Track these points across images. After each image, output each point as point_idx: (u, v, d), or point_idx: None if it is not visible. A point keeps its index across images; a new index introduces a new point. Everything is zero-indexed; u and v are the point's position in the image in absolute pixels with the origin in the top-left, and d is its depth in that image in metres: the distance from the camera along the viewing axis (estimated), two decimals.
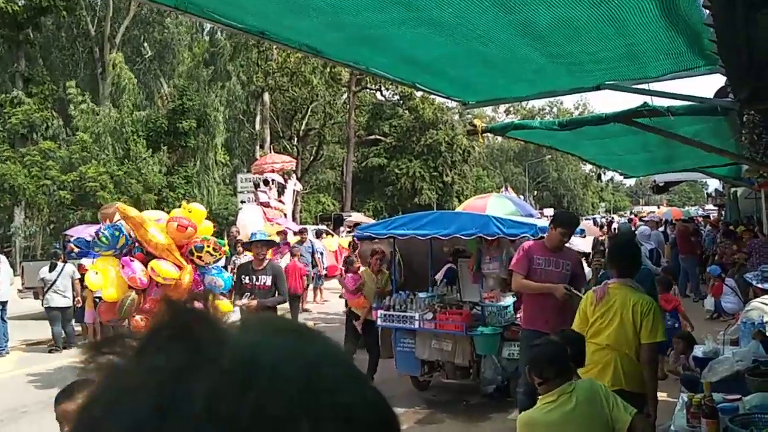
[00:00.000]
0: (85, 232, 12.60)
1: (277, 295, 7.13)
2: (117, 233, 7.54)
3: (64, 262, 11.55)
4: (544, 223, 8.46)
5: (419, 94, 42.95)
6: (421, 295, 7.93)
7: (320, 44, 2.61)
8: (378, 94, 45.54)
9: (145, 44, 32.43)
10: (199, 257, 7.47)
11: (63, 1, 24.80)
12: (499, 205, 12.17)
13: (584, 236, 13.02)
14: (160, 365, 0.47)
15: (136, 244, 7.68)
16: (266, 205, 18.28)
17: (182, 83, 29.76)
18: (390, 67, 3.01)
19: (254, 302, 6.76)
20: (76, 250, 12.84)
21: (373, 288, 8.32)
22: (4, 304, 11.22)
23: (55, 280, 11.15)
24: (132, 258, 7.54)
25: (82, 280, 11.22)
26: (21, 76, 26.43)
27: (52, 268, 11.30)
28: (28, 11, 24.65)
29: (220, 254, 7.78)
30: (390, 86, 43.05)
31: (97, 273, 7.82)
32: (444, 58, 2.76)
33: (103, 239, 7.50)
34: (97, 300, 10.83)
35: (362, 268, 8.76)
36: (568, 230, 5.80)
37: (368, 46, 2.63)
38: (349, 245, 14.05)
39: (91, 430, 0.48)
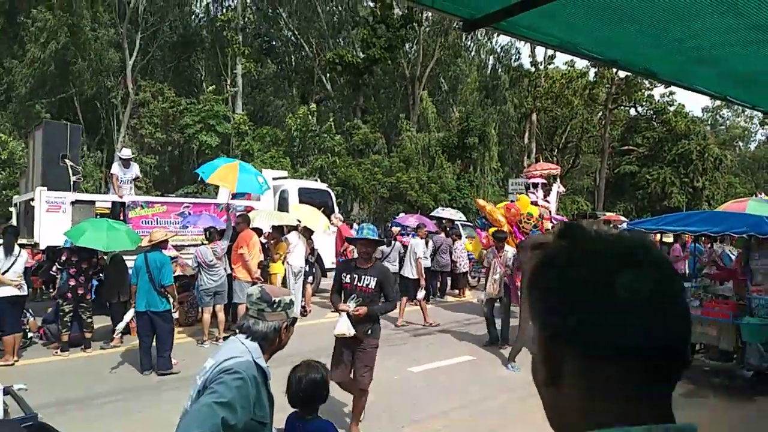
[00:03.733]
0: (408, 220, 13.74)
1: (383, 301, 4.83)
2: None
3: (394, 240, 12.64)
4: None
5: (672, 108, 38.47)
6: (686, 284, 7.28)
7: (659, 67, 2.55)
8: (632, 110, 41.79)
9: (443, 80, 33.97)
10: (523, 227, 9.71)
11: (389, 53, 27.05)
12: (760, 207, 10.44)
13: None
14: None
15: None
16: (534, 204, 17.97)
17: (468, 108, 30.65)
18: (712, 83, 2.81)
19: (363, 309, 4.58)
20: (396, 230, 13.93)
21: None
22: None
23: (389, 254, 12.30)
24: None
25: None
26: (360, 108, 29.36)
27: (388, 245, 12.42)
28: (366, 62, 27.32)
29: (533, 222, 9.65)
30: (644, 103, 39.33)
31: None
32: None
33: None
34: None
35: None
36: None
37: (701, 67, 2.50)
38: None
39: (558, 275, 0.71)
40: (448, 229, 13.56)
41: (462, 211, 20.92)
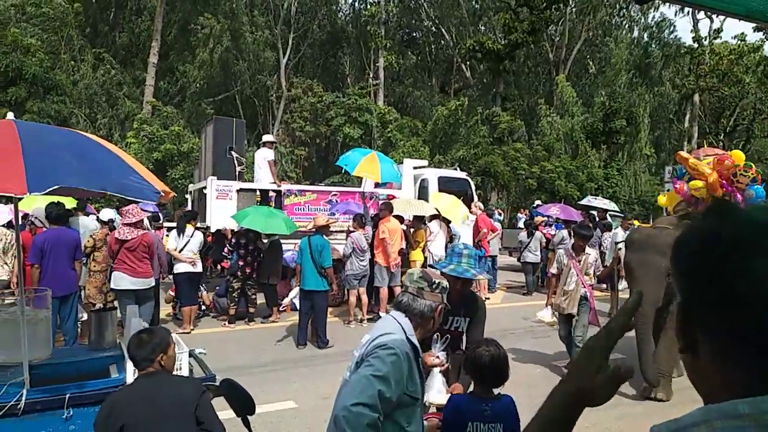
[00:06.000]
0: (550, 209, 13.21)
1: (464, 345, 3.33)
2: None
3: (535, 229, 12.26)
4: None
5: None
6: None
7: None
8: None
9: (590, 62, 32.02)
10: (737, 181, 7.48)
11: (531, 37, 26.06)
12: None
13: None
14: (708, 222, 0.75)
15: None
16: None
17: (617, 90, 28.55)
18: None
19: (458, 388, 3.02)
20: (540, 219, 13.44)
21: None
22: (494, 258, 12.09)
23: (528, 244, 11.97)
24: None
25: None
26: (499, 96, 28.73)
27: (529, 235, 12.08)
28: (507, 48, 26.60)
29: (751, 174, 7.39)
30: None
31: None
32: None
33: None
34: None
35: None
36: None
37: None
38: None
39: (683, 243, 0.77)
40: (597, 219, 12.79)
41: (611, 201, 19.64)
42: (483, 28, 32.01)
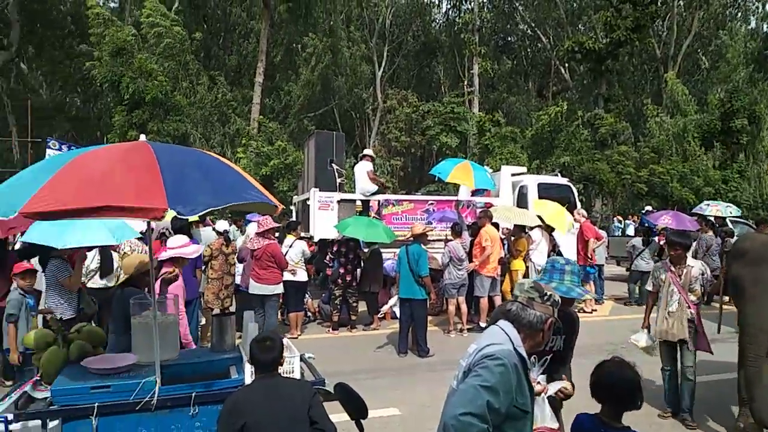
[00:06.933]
0: (662, 218, 12.36)
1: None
2: None
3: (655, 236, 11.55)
4: None
5: None
6: None
7: None
8: None
9: (702, 58, 29.69)
10: None
11: (636, 34, 24.61)
12: None
13: None
14: None
15: None
16: None
17: (736, 86, 26.20)
18: None
19: (568, 386, 2.80)
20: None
21: None
22: (600, 267, 11.51)
23: (642, 251, 11.26)
24: None
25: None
26: (602, 97, 27.37)
27: (645, 244, 11.39)
28: (609, 47, 25.32)
29: None
30: None
31: None
32: None
33: None
34: None
35: None
36: None
37: None
38: None
39: None
40: (717, 226, 11.77)
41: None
42: (582, 27, 30.76)
